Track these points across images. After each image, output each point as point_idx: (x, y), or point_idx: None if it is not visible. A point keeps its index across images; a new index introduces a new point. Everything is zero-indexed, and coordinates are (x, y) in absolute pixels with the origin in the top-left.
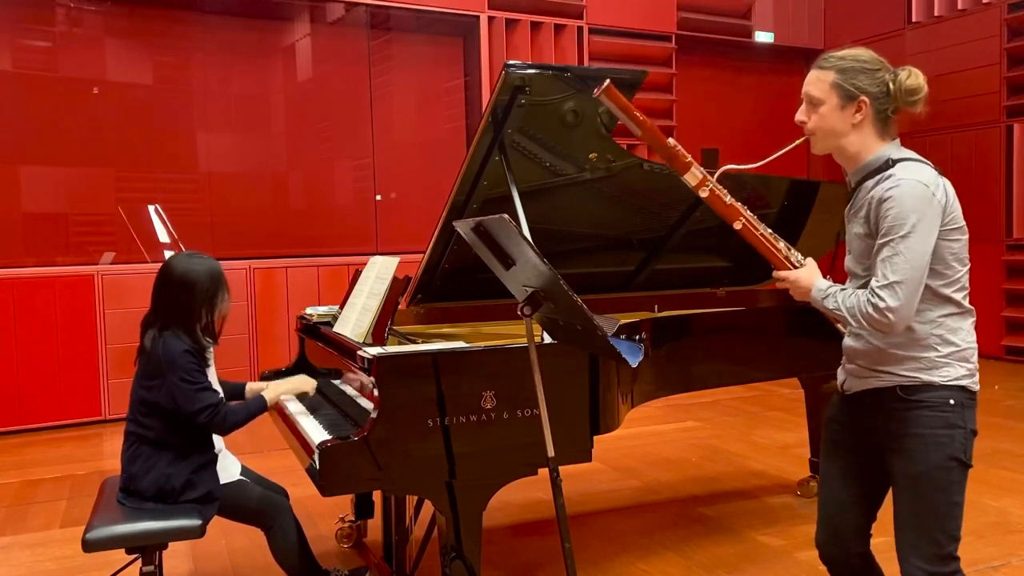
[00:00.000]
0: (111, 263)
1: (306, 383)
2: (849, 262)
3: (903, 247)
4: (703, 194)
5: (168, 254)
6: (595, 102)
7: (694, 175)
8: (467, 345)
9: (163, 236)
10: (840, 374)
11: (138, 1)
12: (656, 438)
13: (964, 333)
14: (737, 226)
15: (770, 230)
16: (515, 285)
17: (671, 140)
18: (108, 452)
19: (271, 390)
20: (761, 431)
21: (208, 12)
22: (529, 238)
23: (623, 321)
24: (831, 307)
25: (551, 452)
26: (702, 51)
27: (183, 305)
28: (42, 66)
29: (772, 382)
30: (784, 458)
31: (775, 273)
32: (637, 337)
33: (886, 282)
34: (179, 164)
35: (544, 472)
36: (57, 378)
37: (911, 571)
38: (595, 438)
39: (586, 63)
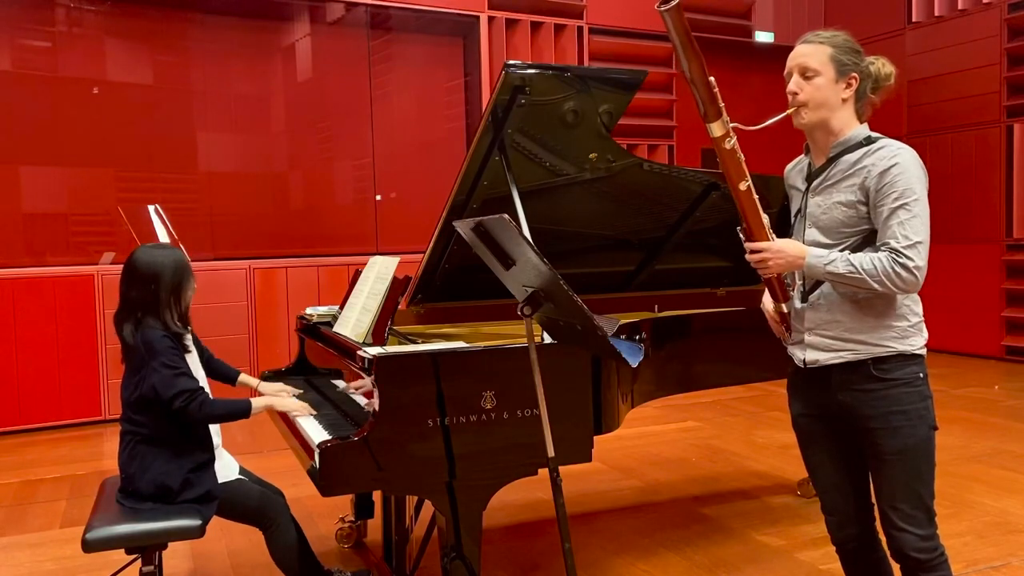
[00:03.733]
0: (111, 263)
1: (301, 408)
2: (815, 234)
3: (919, 209)
4: (726, 145)
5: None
6: (595, 102)
7: (723, 124)
8: (467, 345)
9: (163, 236)
10: (797, 351)
11: (138, 1)
12: (656, 438)
13: (921, 305)
14: (743, 187)
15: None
16: (515, 285)
17: (712, 80)
18: (108, 452)
19: (265, 400)
20: (761, 431)
21: (208, 12)
22: (529, 238)
23: (623, 321)
24: (842, 270)
25: (551, 452)
26: (702, 51)
27: (151, 295)
28: (42, 66)
29: (772, 382)
30: (784, 458)
31: (756, 245)
32: (637, 337)
33: (910, 242)
34: (179, 164)
35: (544, 472)
36: (57, 378)
37: (907, 540)
38: (595, 438)
39: (586, 63)
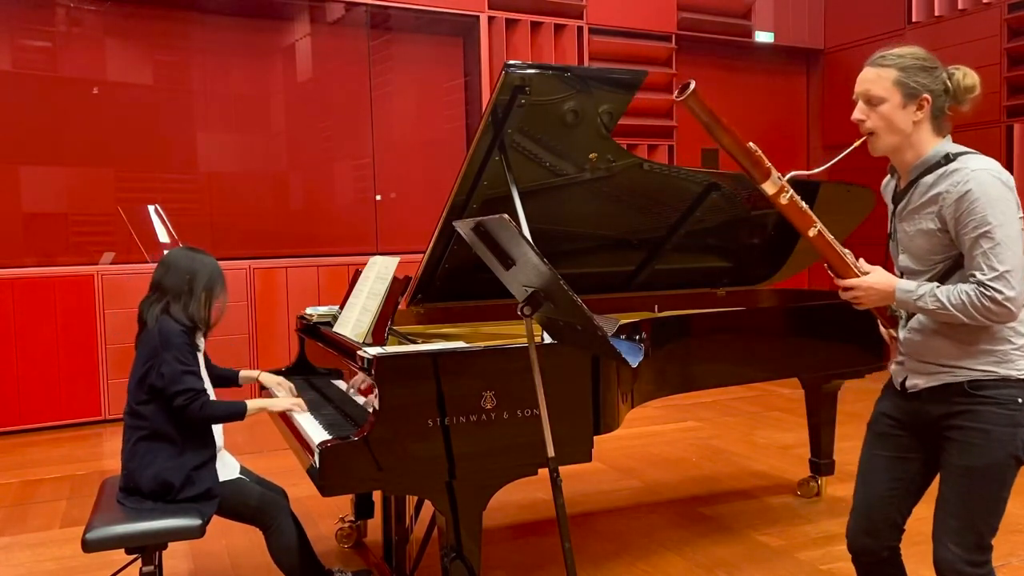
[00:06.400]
0: (111, 263)
1: (294, 405)
2: (906, 260)
3: (1001, 235)
4: (783, 200)
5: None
6: (595, 102)
7: (774, 183)
8: (467, 345)
9: (163, 236)
10: (899, 371)
11: (138, 1)
12: (656, 438)
13: None
14: (811, 233)
15: (832, 236)
16: (515, 285)
17: (751, 145)
18: (108, 452)
19: (260, 403)
20: (761, 431)
21: (208, 12)
22: (529, 238)
23: (623, 321)
24: (931, 307)
25: (551, 452)
26: (702, 51)
27: (187, 286)
28: (42, 66)
29: (772, 382)
30: (784, 458)
31: (844, 282)
32: (637, 337)
33: (996, 273)
34: (179, 164)
35: (544, 472)
36: (57, 378)
37: (948, 556)
38: (595, 438)
39: (586, 63)
